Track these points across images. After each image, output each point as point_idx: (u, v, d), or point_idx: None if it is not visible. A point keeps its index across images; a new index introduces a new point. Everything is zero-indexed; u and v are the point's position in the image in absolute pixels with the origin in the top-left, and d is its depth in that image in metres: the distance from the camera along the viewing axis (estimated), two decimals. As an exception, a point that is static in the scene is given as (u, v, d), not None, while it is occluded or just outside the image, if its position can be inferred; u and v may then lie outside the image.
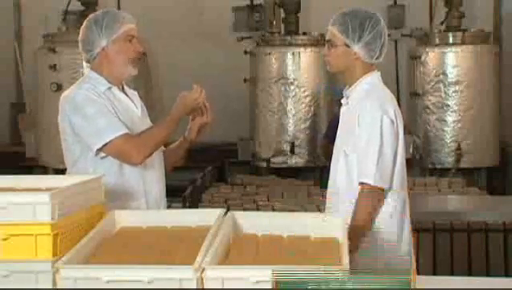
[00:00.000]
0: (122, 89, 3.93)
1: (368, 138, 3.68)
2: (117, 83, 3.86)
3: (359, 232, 3.65)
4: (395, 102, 3.82)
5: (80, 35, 3.86)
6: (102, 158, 3.72)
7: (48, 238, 2.60)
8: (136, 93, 4.02)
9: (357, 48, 3.75)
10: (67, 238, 2.70)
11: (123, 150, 3.69)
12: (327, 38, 3.84)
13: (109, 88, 3.82)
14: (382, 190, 3.69)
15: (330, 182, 3.88)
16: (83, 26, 3.87)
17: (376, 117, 3.68)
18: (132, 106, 3.91)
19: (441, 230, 5.73)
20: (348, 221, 3.57)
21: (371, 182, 3.65)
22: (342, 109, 3.90)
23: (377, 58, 3.78)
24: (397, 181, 3.75)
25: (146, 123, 3.92)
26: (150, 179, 3.86)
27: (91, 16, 3.90)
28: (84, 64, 8.98)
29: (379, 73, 3.85)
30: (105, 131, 3.68)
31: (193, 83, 3.94)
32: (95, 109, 3.71)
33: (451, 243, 5.73)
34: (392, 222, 3.75)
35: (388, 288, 2.33)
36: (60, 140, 3.86)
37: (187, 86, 3.97)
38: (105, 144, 3.68)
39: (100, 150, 3.70)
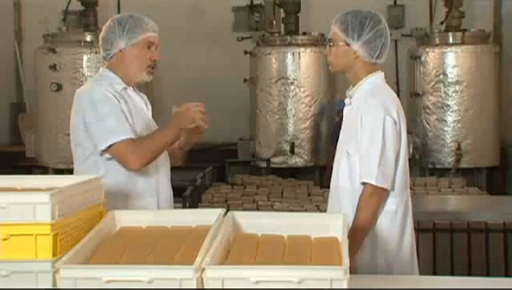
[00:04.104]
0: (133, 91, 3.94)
1: (370, 138, 3.67)
2: (130, 85, 3.88)
3: (361, 232, 3.65)
4: (398, 103, 3.81)
5: (102, 33, 3.89)
6: (108, 159, 3.73)
7: (48, 238, 2.60)
8: (145, 96, 4.03)
9: (357, 47, 3.75)
10: (67, 238, 2.70)
11: (123, 155, 3.69)
12: (328, 37, 3.85)
13: (125, 88, 3.84)
14: (385, 190, 3.69)
15: (332, 182, 3.88)
16: (106, 25, 3.88)
17: (379, 117, 3.67)
18: (143, 107, 3.94)
19: (441, 230, 5.73)
20: (350, 221, 3.58)
21: (373, 182, 3.64)
22: (345, 110, 3.89)
23: (377, 57, 3.78)
24: (399, 182, 3.74)
25: (154, 126, 3.94)
26: (162, 179, 3.88)
27: (116, 16, 3.91)
28: (85, 64, 9.05)
29: (383, 74, 3.84)
30: (111, 133, 3.68)
31: (196, 101, 3.86)
32: (108, 109, 3.72)
33: (451, 243, 5.72)
34: (394, 223, 3.74)
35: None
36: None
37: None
38: (109, 146, 3.69)
39: (105, 151, 3.71)
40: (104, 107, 3.71)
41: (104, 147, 3.68)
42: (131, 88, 3.89)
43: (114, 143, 3.67)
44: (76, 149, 3.83)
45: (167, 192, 3.91)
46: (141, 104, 3.93)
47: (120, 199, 3.56)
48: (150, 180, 3.82)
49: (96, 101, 3.73)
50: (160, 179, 3.87)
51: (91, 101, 3.74)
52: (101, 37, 3.89)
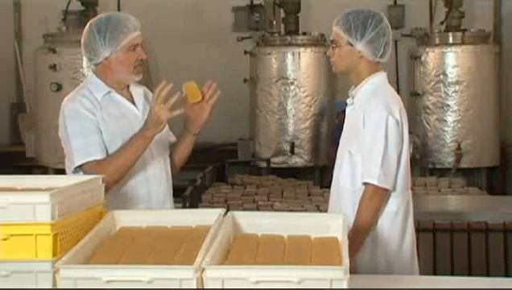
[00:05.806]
0: (127, 89, 3.87)
1: (373, 138, 3.67)
2: (118, 88, 3.82)
3: (362, 233, 3.65)
4: (401, 103, 3.82)
5: (83, 40, 3.78)
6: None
7: (48, 238, 2.60)
8: (141, 90, 3.92)
9: (361, 46, 3.75)
10: (67, 238, 2.70)
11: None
12: (331, 38, 3.84)
13: (109, 92, 3.79)
14: (386, 191, 3.69)
15: (333, 182, 3.87)
16: (85, 31, 3.77)
17: (381, 117, 3.68)
18: (132, 108, 3.84)
19: (441, 230, 5.73)
20: (351, 222, 3.58)
21: (375, 182, 3.64)
22: (347, 110, 3.89)
23: (381, 56, 3.78)
24: (401, 182, 3.74)
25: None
26: (154, 183, 3.83)
27: (93, 21, 3.77)
28: (85, 64, 9.01)
29: (385, 74, 3.85)
30: (77, 155, 3.67)
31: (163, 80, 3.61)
32: (76, 127, 3.68)
33: (451, 243, 5.73)
34: (395, 223, 3.75)
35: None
36: (60, 140, 3.85)
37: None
38: (77, 167, 3.68)
39: (77, 169, 3.71)
40: (73, 125, 3.69)
41: (72, 168, 3.70)
42: (115, 91, 3.80)
43: (82, 165, 3.67)
44: (66, 157, 3.83)
45: (160, 196, 3.85)
46: (127, 105, 3.83)
47: (109, 206, 3.49)
48: (139, 187, 3.78)
49: (67, 118, 3.71)
50: (152, 184, 3.81)
51: (63, 117, 3.73)
52: (82, 44, 3.79)
